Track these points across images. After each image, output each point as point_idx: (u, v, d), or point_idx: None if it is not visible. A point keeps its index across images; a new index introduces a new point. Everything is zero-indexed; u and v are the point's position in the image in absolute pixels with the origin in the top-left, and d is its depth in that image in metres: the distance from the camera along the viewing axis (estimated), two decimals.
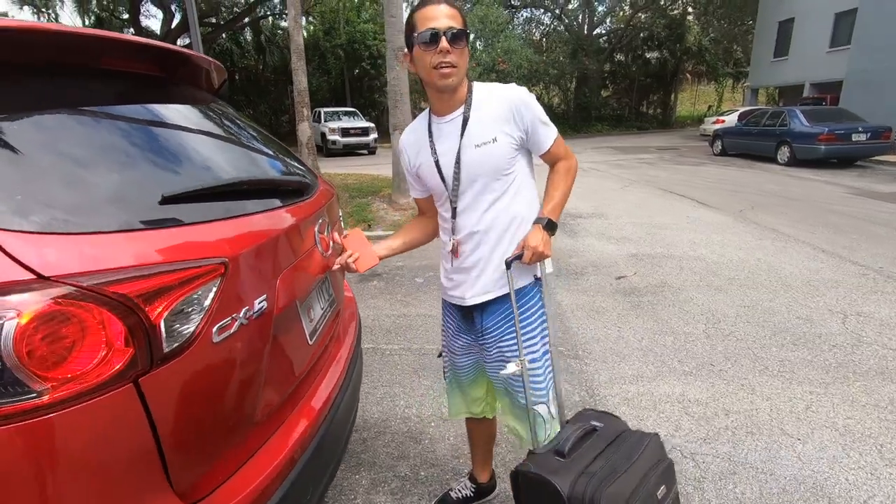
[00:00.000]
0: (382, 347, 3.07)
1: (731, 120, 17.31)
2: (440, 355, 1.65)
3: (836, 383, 2.53)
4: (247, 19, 21.72)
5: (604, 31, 28.07)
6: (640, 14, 25.75)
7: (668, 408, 2.36)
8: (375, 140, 16.70)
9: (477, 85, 1.36)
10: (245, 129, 1.65)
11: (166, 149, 1.15)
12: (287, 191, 1.45)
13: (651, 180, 9.85)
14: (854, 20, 15.15)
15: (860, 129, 10.93)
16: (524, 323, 1.41)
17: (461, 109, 1.33)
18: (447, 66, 1.23)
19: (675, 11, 26.13)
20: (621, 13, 27.47)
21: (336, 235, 1.52)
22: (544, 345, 1.44)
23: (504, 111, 1.31)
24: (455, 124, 1.33)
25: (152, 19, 51.05)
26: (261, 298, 1.10)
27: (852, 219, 6.20)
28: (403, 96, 6.66)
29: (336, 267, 1.44)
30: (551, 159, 1.43)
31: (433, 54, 1.22)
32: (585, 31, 26.69)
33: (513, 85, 1.36)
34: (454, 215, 1.38)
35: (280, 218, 1.31)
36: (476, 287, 1.41)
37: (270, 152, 1.68)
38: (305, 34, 23.54)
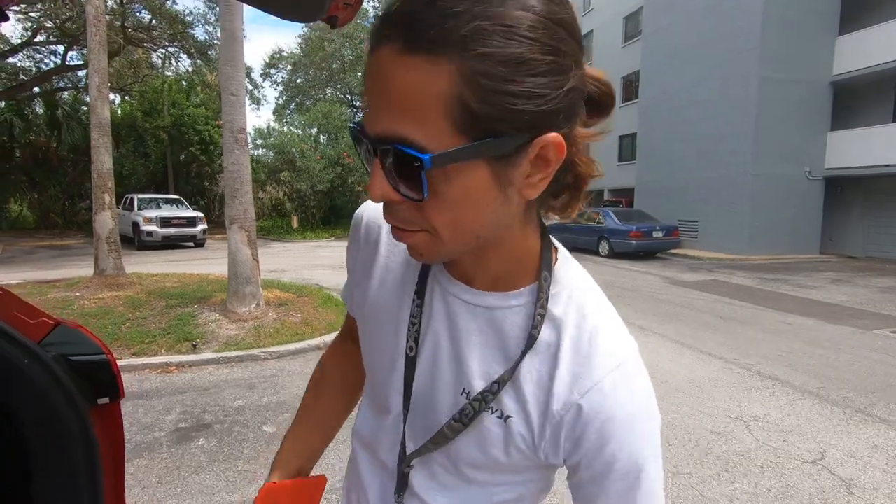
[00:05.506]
0: None
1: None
2: None
3: None
4: (36, 89, 18.33)
5: None
6: None
7: None
8: (204, 231, 14.65)
9: (562, 282, 0.54)
10: None
11: None
12: None
13: None
14: (635, 141, 18.92)
15: (658, 227, 13.04)
16: None
17: (498, 300, 0.53)
18: (394, 226, 0.46)
19: None
20: None
21: None
22: None
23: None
24: (483, 320, 0.53)
25: None
26: None
27: (680, 307, 6.85)
28: (244, 185, 5.65)
29: None
30: None
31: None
32: None
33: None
34: (403, 461, 0.58)
35: None
36: None
37: None
38: (120, 112, 20.75)
